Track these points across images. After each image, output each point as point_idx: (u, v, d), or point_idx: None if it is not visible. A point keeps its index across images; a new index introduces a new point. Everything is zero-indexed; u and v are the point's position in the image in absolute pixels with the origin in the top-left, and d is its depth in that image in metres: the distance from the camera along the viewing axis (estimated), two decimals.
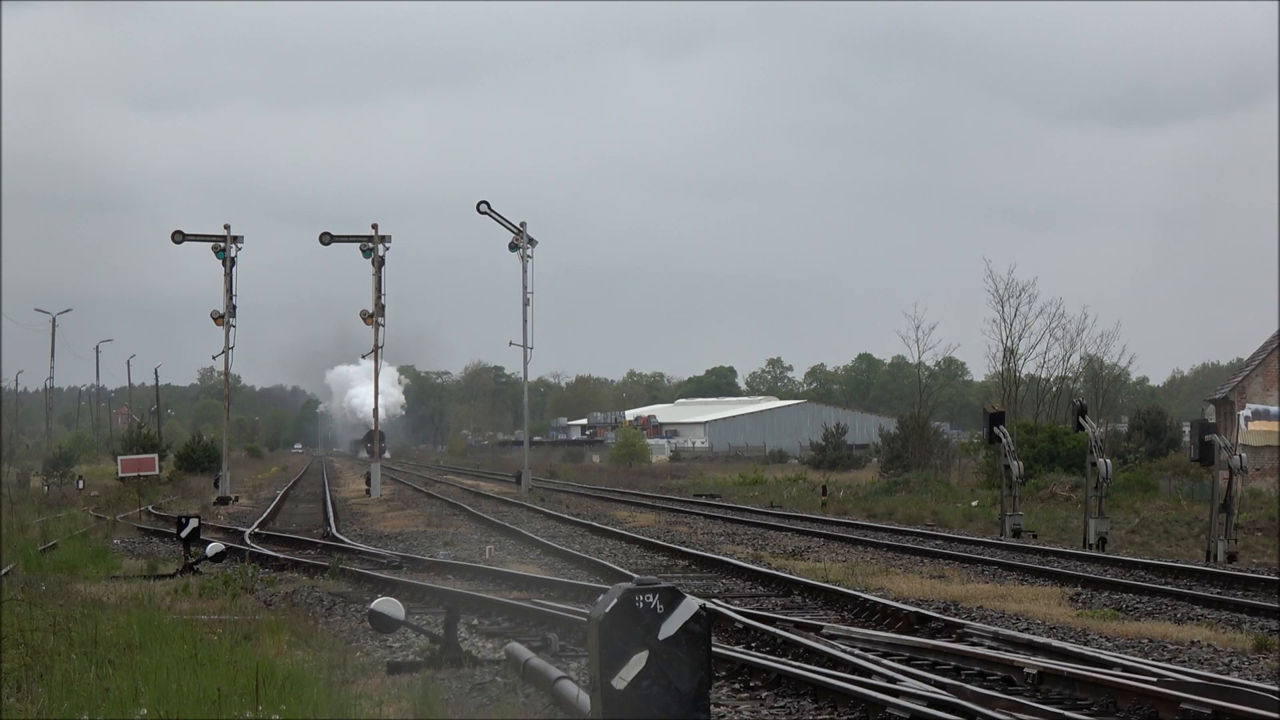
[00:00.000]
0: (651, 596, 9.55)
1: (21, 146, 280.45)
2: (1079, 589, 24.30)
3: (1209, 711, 12.02)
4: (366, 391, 70.32)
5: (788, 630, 17.07)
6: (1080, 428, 38.95)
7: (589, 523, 40.97)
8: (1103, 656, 14.95)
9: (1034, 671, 14.05)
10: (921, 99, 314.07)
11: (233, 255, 62.42)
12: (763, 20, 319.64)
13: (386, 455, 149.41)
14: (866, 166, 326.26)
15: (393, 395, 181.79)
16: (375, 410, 71.44)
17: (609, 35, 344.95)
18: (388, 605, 15.50)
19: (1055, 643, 15.98)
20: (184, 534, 28.84)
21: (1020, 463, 40.41)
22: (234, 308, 62.17)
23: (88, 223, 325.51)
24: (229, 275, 62.34)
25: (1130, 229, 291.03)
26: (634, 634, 9.50)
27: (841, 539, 35.83)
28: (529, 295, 65.81)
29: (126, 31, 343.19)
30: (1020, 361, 72.90)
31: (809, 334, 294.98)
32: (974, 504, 51.69)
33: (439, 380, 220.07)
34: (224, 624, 18.17)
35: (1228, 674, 15.01)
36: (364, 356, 69.40)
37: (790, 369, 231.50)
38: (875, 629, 18.18)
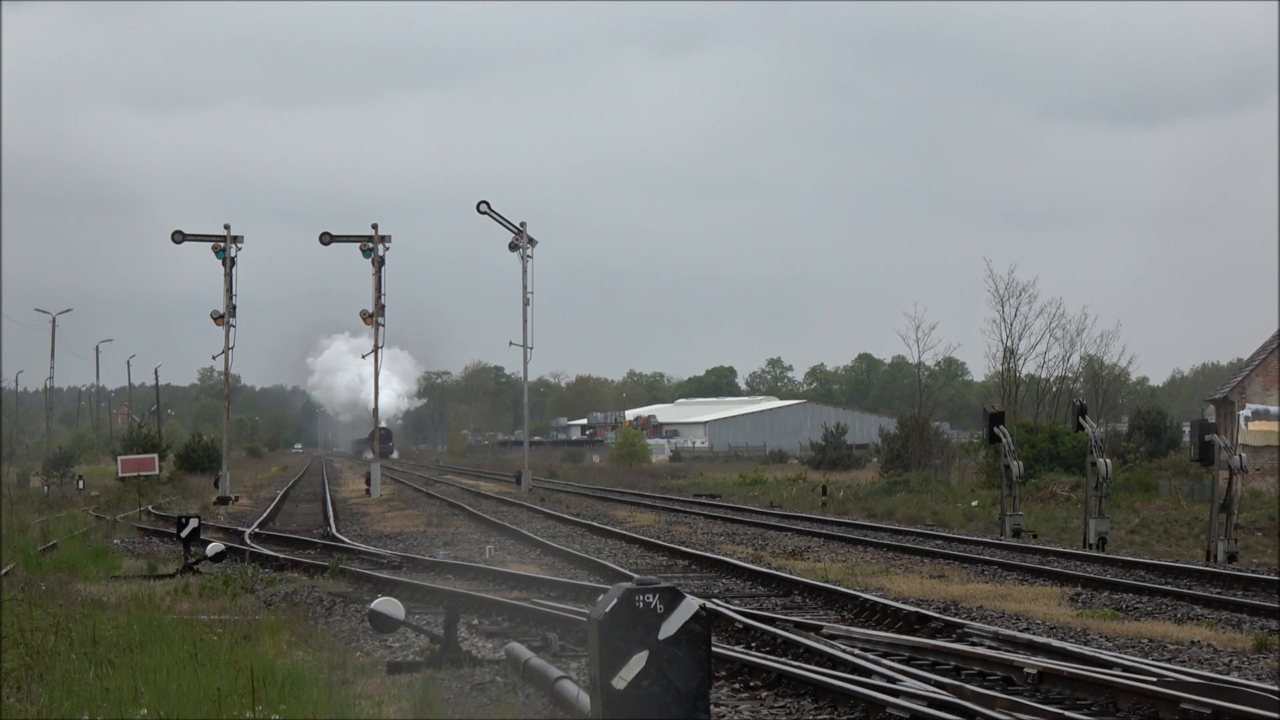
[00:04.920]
0: (651, 596, 9.55)
1: (21, 146, 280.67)
2: (1079, 589, 24.29)
3: (1209, 711, 12.02)
4: (382, 383, 69.80)
5: (788, 630, 17.06)
6: (1080, 428, 38.93)
7: (589, 523, 40.96)
8: (1103, 656, 14.95)
9: (1034, 671, 14.05)
10: (921, 98, 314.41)
11: (232, 255, 62.46)
12: (762, 19, 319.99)
13: (394, 455, 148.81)
14: (866, 166, 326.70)
15: (406, 386, 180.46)
16: (375, 410, 71.40)
17: (609, 34, 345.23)
18: (388, 605, 15.50)
19: (1055, 643, 15.97)
20: (184, 534, 28.85)
21: (1020, 463, 40.40)
22: (234, 308, 62.19)
23: (88, 223, 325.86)
24: (229, 275, 62.36)
25: (1130, 229, 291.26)
26: (634, 634, 9.49)
27: (841, 539, 35.83)
28: (529, 295, 65.84)
29: (126, 31, 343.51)
30: (1020, 361, 72.98)
31: (809, 334, 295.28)
32: (974, 504, 51.68)
33: (439, 380, 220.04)
34: (224, 624, 18.16)
35: (1228, 674, 15.01)
36: (364, 356, 69.46)
37: (790, 369, 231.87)
38: (875, 629, 18.18)
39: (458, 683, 14.30)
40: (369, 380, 68.31)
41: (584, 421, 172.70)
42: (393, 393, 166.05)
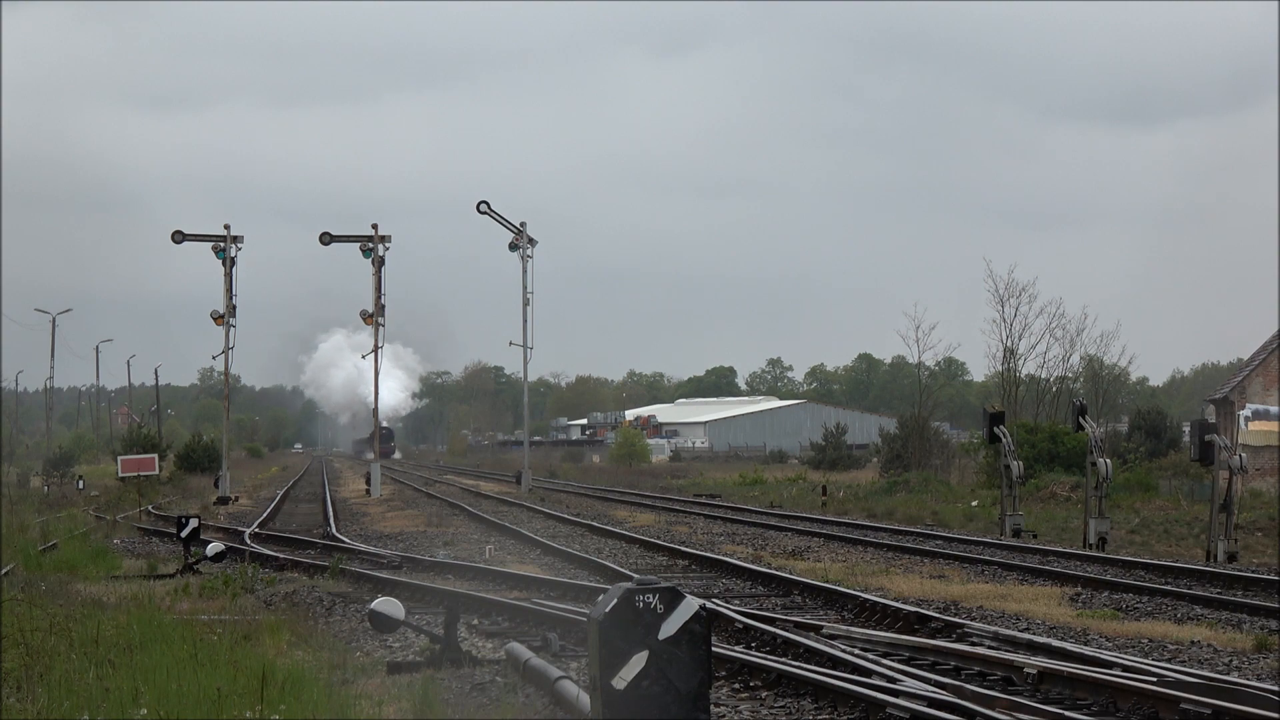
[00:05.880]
0: (651, 596, 9.55)
1: (21, 146, 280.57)
2: (1079, 589, 24.29)
3: (1209, 711, 12.02)
4: (386, 373, 69.57)
5: (788, 630, 17.07)
6: (1080, 428, 38.93)
7: (589, 523, 40.96)
8: (1103, 656, 14.95)
9: (1034, 671, 14.05)
10: (921, 98, 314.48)
11: (232, 255, 62.47)
12: (762, 19, 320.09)
13: (396, 455, 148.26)
14: (866, 166, 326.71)
15: (411, 383, 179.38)
16: (375, 410, 71.40)
17: (609, 34, 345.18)
18: (388, 605, 15.50)
19: (1055, 643, 15.98)
20: (184, 534, 28.85)
21: (1020, 463, 40.40)
22: (234, 308, 62.20)
23: (88, 223, 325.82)
24: (229, 275, 62.37)
25: (1130, 229, 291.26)
26: (634, 634, 9.49)
27: (841, 539, 35.82)
28: (529, 295, 65.85)
29: (126, 30, 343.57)
30: (1020, 361, 72.98)
31: (809, 334, 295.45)
32: (974, 504, 51.68)
33: (439, 380, 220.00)
34: (224, 624, 18.16)
35: (1228, 674, 15.01)
36: (364, 356, 69.43)
37: (790, 369, 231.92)
38: (875, 629, 18.18)
39: (458, 683, 14.30)
40: (367, 371, 68.26)
41: (584, 421, 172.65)
42: (397, 385, 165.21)
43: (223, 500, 57.63)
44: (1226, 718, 11.92)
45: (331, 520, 43.73)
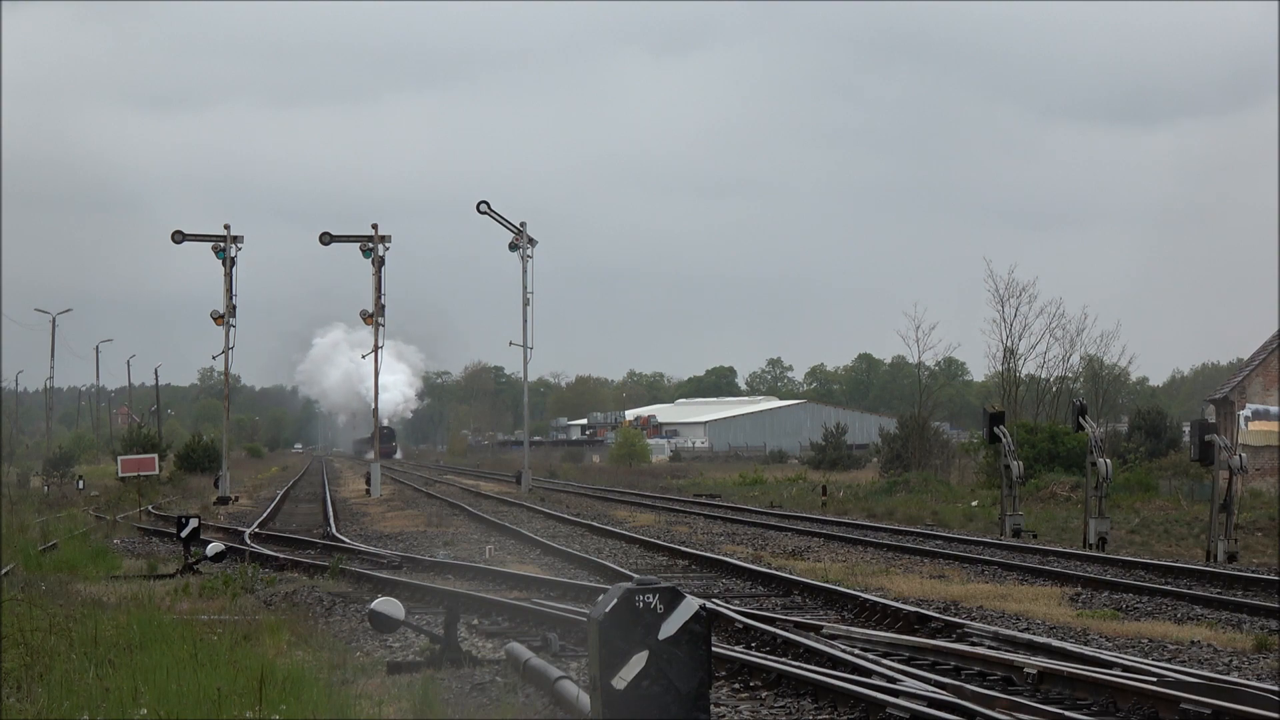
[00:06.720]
0: (651, 596, 9.55)
1: (21, 146, 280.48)
2: (1079, 589, 24.29)
3: (1209, 711, 12.02)
4: (389, 369, 69.57)
5: (788, 630, 17.07)
6: (1080, 428, 38.92)
7: (589, 523, 40.96)
8: (1103, 656, 14.95)
9: (1034, 671, 14.05)
10: (921, 98, 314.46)
11: (232, 255, 62.49)
12: (762, 19, 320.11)
13: (398, 455, 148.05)
14: (866, 166, 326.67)
15: (416, 381, 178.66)
16: (375, 410, 71.40)
17: (609, 34, 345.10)
18: (388, 605, 15.50)
19: (1055, 643, 15.97)
20: (184, 534, 28.85)
21: (1020, 463, 40.39)
22: (234, 308, 62.21)
23: (88, 223, 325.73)
24: (229, 275, 62.38)
25: (1130, 229, 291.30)
26: (634, 634, 9.50)
27: (841, 539, 35.82)
28: (529, 295, 65.87)
29: (126, 31, 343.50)
30: (1020, 361, 73.00)
31: (809, 334, 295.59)
32: (974, 504, 51.68)
33: (439, 380, 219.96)
34: (224, 624, 18.17)
35: (1228, 674, 15.01)
36: (364, 356, 69.43)
37: (790, 369, 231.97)
38: (875, 629, 18.18)
39: (458, 683, 14.31)
40: (366, 367, 68.17)
41: (584, 421, 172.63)
42: (402, 380, 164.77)
43: (223, 500, 57.63)
44: (1226, 718, 11.92)
45: (331, 520, 43.72)
